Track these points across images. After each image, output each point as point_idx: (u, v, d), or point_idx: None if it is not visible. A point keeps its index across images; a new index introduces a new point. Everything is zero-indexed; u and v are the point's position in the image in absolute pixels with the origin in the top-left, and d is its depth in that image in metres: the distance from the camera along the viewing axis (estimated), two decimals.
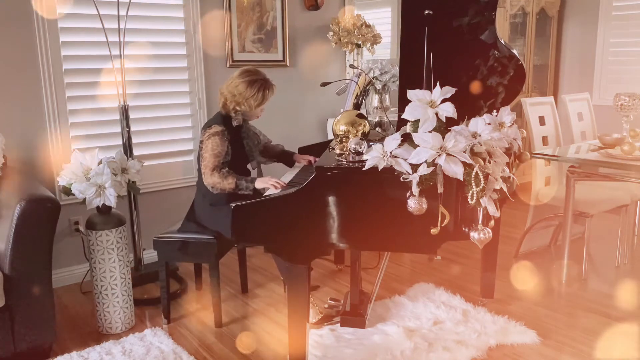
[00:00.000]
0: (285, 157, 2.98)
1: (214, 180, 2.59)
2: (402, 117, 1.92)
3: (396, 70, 3.61)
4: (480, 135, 1.93)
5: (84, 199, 2.60)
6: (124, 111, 3.08)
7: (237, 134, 2.73)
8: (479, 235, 1.91)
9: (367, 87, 2.81)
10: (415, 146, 1.82)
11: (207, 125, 2.69)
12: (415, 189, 1.80)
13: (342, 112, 2.37)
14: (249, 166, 2.87)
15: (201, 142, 2.68)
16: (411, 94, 1.90)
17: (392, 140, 1.84)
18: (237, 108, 2.67)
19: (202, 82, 3.63)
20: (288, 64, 4.01)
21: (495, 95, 2.56)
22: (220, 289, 2.73)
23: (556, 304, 2.94)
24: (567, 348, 2.48)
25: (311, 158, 2.88)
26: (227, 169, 2.62)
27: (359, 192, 1.98)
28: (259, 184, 2.55)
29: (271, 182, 2.49)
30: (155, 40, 3.44)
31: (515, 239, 3.76)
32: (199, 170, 2.77)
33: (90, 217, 2.69)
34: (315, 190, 1.98)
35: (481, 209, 1.88)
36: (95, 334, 2.70)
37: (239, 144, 2.73)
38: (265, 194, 2.36)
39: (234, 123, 2.68)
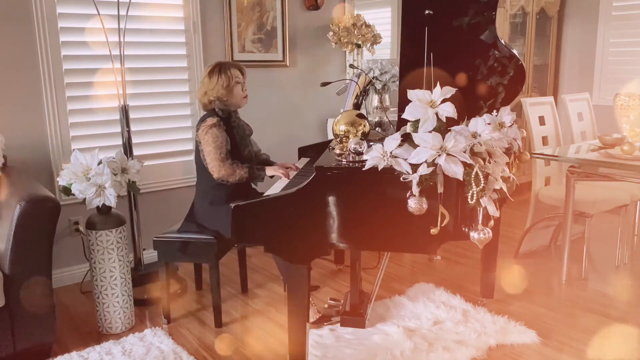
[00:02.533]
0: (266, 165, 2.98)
1: (226, 172, 2.64)
2: (402, 117, 1.92)
3: (396, 70, 3.61)
4: (480, 135, 1.93)
5: (84, 199, 2.60)
6: (124, 111, 3.08)
7: (227, 124, 2.76)
8: (479, 235, 1.91)
9: (367, 87, 2.80)
10: (415, 146, 1.82)
11: (202, 120, 2.73)
12: (415, 189, 1.80)
13: (342, 112, 2.37)
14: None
15: (198, 138, 2.70)
16: (411, 94, 1.90)
17: (392, 140, 1.84)
18: (211, 99, 2.72)
19: None
20: (288, 64, 4.01)
21: (495, 95, 2.56)
22: (220, 289, 2.73)
23: (556, 304, 2.94)
24: (567, 348, 2.49)
25: (291, 165, 2.88)
26: (234, 159, 2.67)
27: (359, 192, 1.97)
28: (270, 171, 2.68)
29: (281, 170, 2.65)
30: (155, 40, 3.44)
31: (515, 239, 3.76)
32: (198, 170, 2.77)
33: (90, 217, 2.69)
34: (315, 190, 1.98)
35: (481, 209, 1.88)
36: (95, 334, 2.70)
37: (230, 134, 2.75)
38: (265, 194, 2.36)
39: (218, 112, 2.72)
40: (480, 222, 1.92)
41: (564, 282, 3.20)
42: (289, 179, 2.58)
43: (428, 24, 2.32)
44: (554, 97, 4.09)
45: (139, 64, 3.37)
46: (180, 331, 2.73)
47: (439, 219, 1.88)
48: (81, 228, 3.25)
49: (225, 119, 2.75)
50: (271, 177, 2.74)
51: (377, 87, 3.61)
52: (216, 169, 2.64)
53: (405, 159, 1.81)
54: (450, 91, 1.89)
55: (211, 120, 2.67)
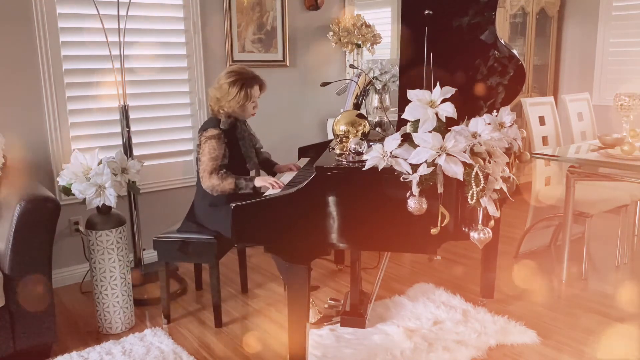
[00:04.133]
0: (266, 165, 2.98)
1: (212, 183, 2.60)
2: (402, 117, 1.92)
3: (396, 70, 3.61)
4: (480, 135, 1.93)
5: (84, 199, 2.60)
6: (124, 111, 3.08)
7: (232, 135, 2.72)
8: (479, 235, 1.91)
9: (367, 87, 2.80)
10: (415, 146, 1.82)
11: (203, 129, 2.69)
12: (415, 189, 1.80)
13: (342, 112, 2.37)
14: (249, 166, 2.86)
15: (198, 145, 2.68)
16: (411, 94, 1.90)
17: (392, 140, 1.84)
18: (221, 110, 2.67)
19: (202, 83, 3.63)
20: (288, 64, 4.01)
21: (495, 95, 2.56)
22: (220, 289, 2.73)
23: (556, 304, 2.94)
24: (567, 348, 2.49)
25: (292, 166, 2.87)
26: (224, 170, 2.63)
27: (359, 192, 1.97)
28: (258, 182, 2.58)
29: (270, 181, 2.53)
30: (155, 40, 3.44)
31: (515, 239, 3.76)
32: (198, 172, 2.77)
33: (90, 217, 2.69)
34: (315, 190, 1.98)
35: (481, 209, 1.88)
36: (95, 334, 2.70)
37: (235, 146, 2.73)
38: (265, 194, 2.36)
39: (222, 126, 2.65)
40: (480, 222, 1.92)
41: (564, 282, 3.20)
42: (278, 188, 2.48)
43: (428, 24, 2.32)
44: (554, 97, 4.09)
45: (139, 64, 3.37)
46: (180, 331, 2.73)
47: (439, 219, 1.88)
48: (81, 228, 3.25)
49: (230, 130, 2.69)
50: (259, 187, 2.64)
51: (377, 87, 3.61)
52: (202, 180, 2.63)
53: (405, 159, 1.81)
54: (450, 91, 1.89)
55: (212, 132, 2.62)
